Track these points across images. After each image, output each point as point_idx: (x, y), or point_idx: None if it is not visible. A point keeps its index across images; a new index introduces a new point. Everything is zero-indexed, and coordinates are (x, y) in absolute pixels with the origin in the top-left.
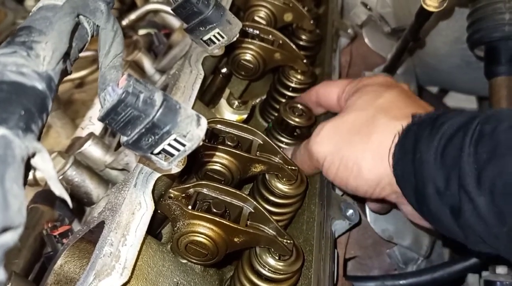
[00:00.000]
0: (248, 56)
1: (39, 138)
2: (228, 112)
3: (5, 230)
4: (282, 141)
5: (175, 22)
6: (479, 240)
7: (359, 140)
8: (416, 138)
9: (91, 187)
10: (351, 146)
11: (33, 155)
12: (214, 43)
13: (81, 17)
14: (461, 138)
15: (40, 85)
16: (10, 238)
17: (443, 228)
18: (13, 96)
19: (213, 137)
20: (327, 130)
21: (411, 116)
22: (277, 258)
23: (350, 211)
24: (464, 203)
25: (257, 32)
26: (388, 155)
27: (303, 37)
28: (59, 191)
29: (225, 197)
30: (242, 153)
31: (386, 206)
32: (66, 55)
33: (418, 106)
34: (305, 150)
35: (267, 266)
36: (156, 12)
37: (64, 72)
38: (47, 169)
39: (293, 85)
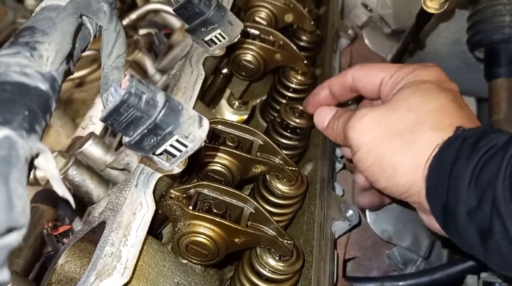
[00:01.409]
0: (248, 57)
1: (41, 139)
2: (229, 113)
3: (10, 230)
4: (282, 142)
5: (175, 22)
6: (504, 265)
7: (401, 145)
8: (456, 155)
9: (92, 186)
10: (391, 147)
11: (37, 155)
12: (216, 43)
13: (84, 17)
14: (499, 161)
15: (44, 86)
16: (15, 238)
17: (466, 246)
18: (17, 97)
19: (213, 138)
20: (369, 120)
21: (455, 128)
22: (277, 258)
23: (350, 212)
24: (496, 226)
25: (258, 32)
26: (425, 165)
27: (304, 38)
28: (62, 191)
29: (226, 198)
30: (242, 154)
31: (377, 205)
32: (69, 56)
33: (466, 116)
34: (342, 128)
35: (267, 267)
36: (156, 12)
37: (67, 73)
38: (50, 169)
39: (293, 86)
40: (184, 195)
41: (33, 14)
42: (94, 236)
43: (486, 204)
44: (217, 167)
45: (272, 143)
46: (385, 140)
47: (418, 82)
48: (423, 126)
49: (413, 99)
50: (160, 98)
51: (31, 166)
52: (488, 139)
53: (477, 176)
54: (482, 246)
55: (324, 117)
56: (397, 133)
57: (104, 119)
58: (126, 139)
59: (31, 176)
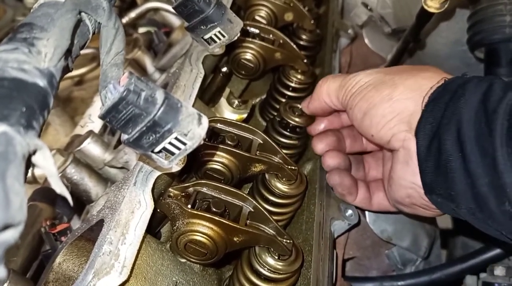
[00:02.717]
0: (248, 56)
1: (39, 135)
2: (228, 112)
3: (6, 227)
4: (281, 141)
5: (175, 20)
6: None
7: (406, 74)
8: (462, 83)
9: (90, 185)
10: (394, 75)
11: (34, 152)
12: (215, 42)
13: (82, 14)
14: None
15: (42, 82)
16: (11, 235)
17: (447, 181)
18: (14, 93)
19: (213, 136)
20: (371, 69)
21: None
22: (276, 257)
23: (349, 212)
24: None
25: (258, 31)
26: (428, 91)
27: (304, 37)
28: (60, 188)
29: (225, 196)
30: (242, 152)
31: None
32: (67, 52)
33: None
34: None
35: (266, 266)
36: (156, 10)
37: (66, 69)
38: (48, 166)
39: (293, 85)
40: (183, 194)
41: (31, 10)
42: (92, 234)
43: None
44: (216, 166)
45: (271, 141)
46: (392, 72)
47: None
48: (422, 69)
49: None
50: (159, 95)
51: (29, 163)
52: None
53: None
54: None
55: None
56: (396, 72)
57: (102, 117)
58: (124, 136)
59: (30, 174)
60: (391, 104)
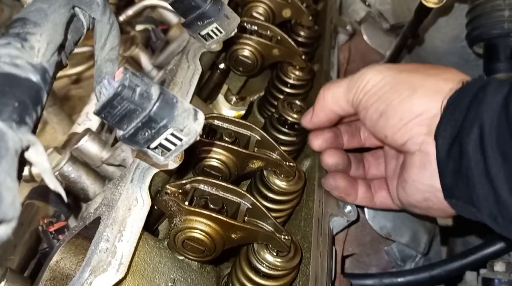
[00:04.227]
0: (246, 52)
1: (34, 132)
2: (226, 108)
3: None
4: (280, 138)
5: (172, 17)
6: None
7: (424, 74)
8: (482, 86)
9: (88, 183)
10: (412, 74)
11: (27, 148)
12: (212, 38)
13: (76, 9)
14: None
15: (34, 77)
16: (3, 231)
17: (468, 183)
18: (7, 88)
19: (210, 133)
20: (382, 66)
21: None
22: (275, 254)
23: (348, 208)
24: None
25: (255, 27)
26: (447, 93)
27: (302, 33)
28: (54, 184)
29: (223, 193)
30: (239, 149)
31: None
32: (61, 47)
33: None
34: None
35: (265, 262)
36: (153, 7)
37: (59, 65)
38: (41, 162)
39: (291, 81)
40: (180, 191)
41: (25, 6)
42: (89, 232)
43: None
44: (213, 162)
45: (269, 138)
46: (404, 71)
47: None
48: (440, 70)
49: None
50: (155, 91)
51: (23, 159)
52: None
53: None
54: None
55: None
56: (412, 71)
57: (97, 112)
58: (120, 133)
59: (27, 172)
60: (410, 107)
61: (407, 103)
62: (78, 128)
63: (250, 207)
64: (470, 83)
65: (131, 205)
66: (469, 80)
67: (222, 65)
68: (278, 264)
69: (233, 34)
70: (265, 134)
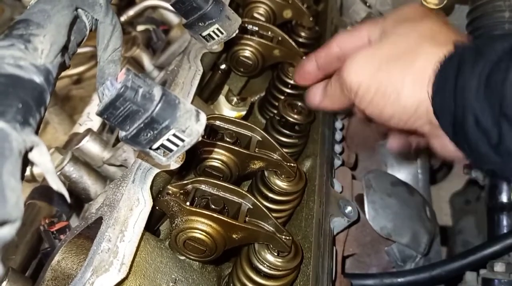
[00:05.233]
0: (247, 53)
1: (36, 132)
2: (227, 109)
3: (2, 224)
4: (281, 139)
5: (173, 18)
6: None
7: (401, 66)
8: (459, 65)
9: (89, 183)
10: (390, 71)
11: (31, 149)
12: (213, 39)
13: (79, 10)
14: (506, 66)
15: (38, 79)
16: (7, 232)
17: (479, 158)
18: (10, 89)
19: (211, 133)
20: (362, 58)
21: (454, 43)
22: (275, 254)
23: (349, 208)
24: (506, 131)
25: (256, 28)
26: (429, 82)
27: (302, 34)
28: (57, 185)
29: (224, 193)
30: (240, 149)
31: (407, 145)
32: (64, 49)
33: (460, 35)
34: (336, 81)
35: (266, 263)
36: (154, 8)
37: (63, 66)
38: (44, 162)
39: (292, 82)
40: (182, 191)
41: (28, 7)
42: (91, 232)
43: (495, 109)
44: (215, 163)
45: (270, 139)
46: (383, 67)
47: (402, 15)
48: (420, 45)
49: (402, 26)
50: (157, 92)
51: (26, 160)
52: (490, 48)
53: (486, 80)
54: (496, 155)
55: (316, 91)
56: (394, 58)
57: (100, 113)
58: (122, 133)
59: (28, 173)
60: (403, 109)
61: (398, 106)
62: (80, 128)
63: (251, 207)
64: (447, 70)
65: (132, 205)
66: (445, 64)
67: (223, 66)
68: (279, 264)
69: (234, 35)
70: (265, 134)
